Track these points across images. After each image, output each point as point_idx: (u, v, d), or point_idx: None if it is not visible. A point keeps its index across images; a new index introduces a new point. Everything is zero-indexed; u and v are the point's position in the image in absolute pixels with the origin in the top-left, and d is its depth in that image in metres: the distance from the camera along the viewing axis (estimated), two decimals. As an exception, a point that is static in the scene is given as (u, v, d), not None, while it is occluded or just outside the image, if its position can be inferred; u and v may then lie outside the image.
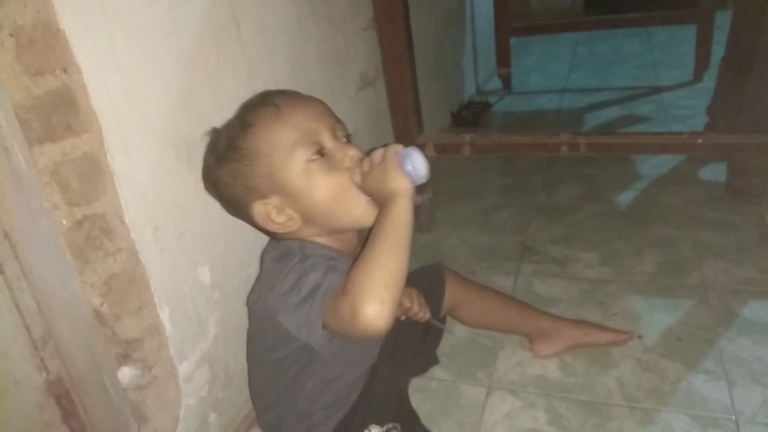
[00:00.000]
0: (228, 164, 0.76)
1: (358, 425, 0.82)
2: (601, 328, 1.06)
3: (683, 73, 2.42)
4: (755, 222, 1.32)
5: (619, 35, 3.17)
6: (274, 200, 0.75)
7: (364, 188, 0.74)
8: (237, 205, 0.79)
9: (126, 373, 0.80)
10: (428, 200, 1.50)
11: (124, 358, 0.80)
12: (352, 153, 0.76)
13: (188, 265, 0.87)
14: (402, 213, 0.68)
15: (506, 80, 2.61)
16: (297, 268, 0.72)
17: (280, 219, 0.76)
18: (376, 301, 0.62)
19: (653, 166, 1.71)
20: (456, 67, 2.34)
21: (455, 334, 1.13)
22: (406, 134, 1.40)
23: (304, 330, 0.71)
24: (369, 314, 0.62)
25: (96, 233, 0.73)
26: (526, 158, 1.89)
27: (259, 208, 0.76)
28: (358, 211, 0.75)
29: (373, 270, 0.64)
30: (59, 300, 0.72)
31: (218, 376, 0.94)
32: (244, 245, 0.97)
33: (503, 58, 2.56)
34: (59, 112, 0.69)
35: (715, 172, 1.60)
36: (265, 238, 0.88)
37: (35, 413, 0.69)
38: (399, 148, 0.73)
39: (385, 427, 0.82)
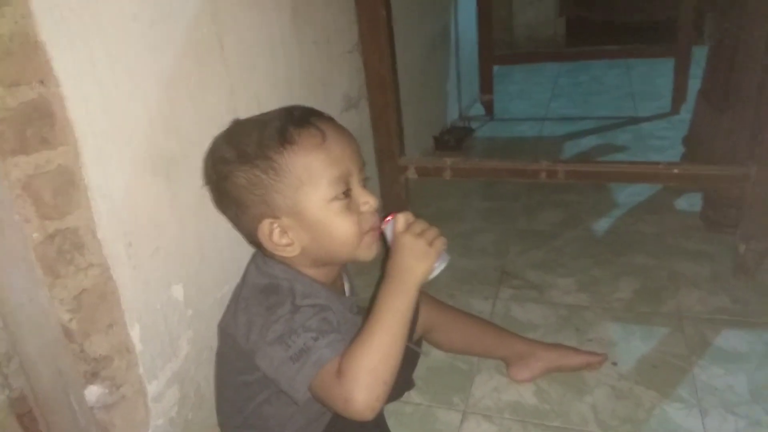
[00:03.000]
0: (251, 169, 0.72)
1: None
2: (576, 350, 1.07)
3: (661, 105, 2.47)
4: (729, 252, 1.34)
5: (600, 66, 3.22)
6: (285, 222, 0.74)
7: (393, 243, 0.73)
8: (240, 210, 0.76)
9: (93, 392, 0.78)
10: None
11: (92, 376, 0.78)
12: (372, 202, 0.76)
13: (161, 283, 0.86)
14: (409, 303, 0.69)
15: (489, 106, 2.64)
16: (286, 319, 0.71)
17: (282, 241, 0.75)
18: (371, 396, 0.63)
19: (631, 194, 1.73)
20: (440, 92, 2.37)
21: (431, 357, 1.12)
22: (388, 156, 1.41)
23: (285, 386, 0.70)
24: (361, 408, 0.63)
25: (67, 248, 0.72)
26: (506, 184, 1.90)
27: (265, 226, 0.74)
28: (360, 252, 0.76)
29: (374, 361, 0.65)
30: (26, 315, 0.71)
31: (188, 397, 0.92)
32: (219, 264, 0.96)
33: (486, 84, 2.60)
34: (34, 124, 0.68)
35: (690, 202, 1.63)
36: (242, 257, 0.87)
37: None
38: (445, 244, 0.74)
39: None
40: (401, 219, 0.74)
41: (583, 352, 1.06)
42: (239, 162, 0.74)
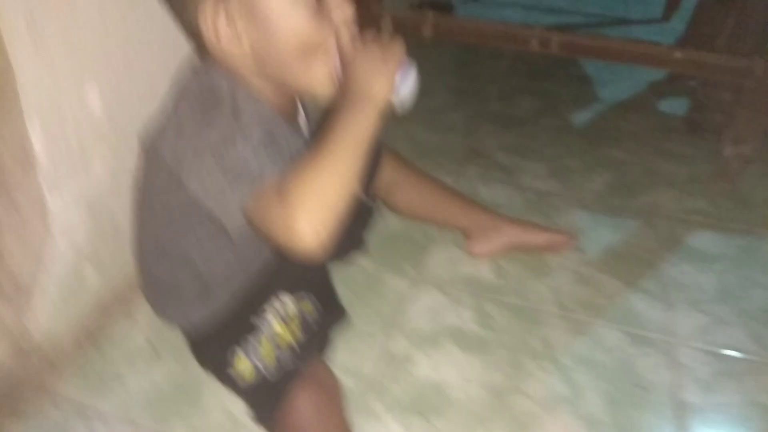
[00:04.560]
0: None
1: (265, 291, 0.69)
2: (541, 228, 0.98)
3: (653, 10, 2.32)
4: (710, 157, 1.26)
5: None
6: (234, 5, 0.56)
7: (342, 58, 0.59)
8: None
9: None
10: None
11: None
12: (348, 11, 0.60)
13: (73, 82, 0.70)
14: (367, 124, 0.56)
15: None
16: (222, 125, 0.56)
17: (227, 32, 0.57)
18: (318, 223, 0.51)
19: (614, 91, 1.63)
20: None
21: (386, 224, 1.01)
22: (364, 4, 1.22)
23: (214, 207, 0.57)
24: (305, 237, 0.51)
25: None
26: (483, 63, 1.77)
27: (209, 6, 0.56)
28: (322, 78, 0.60)
29: (324, 184, 0.52)
30: None
31: (101, 225, 0.79)
32: (147, 76, 0.80)
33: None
34: None
35: (674, 106, 1.53)
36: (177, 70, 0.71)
37: None
38: (403, 52, 0.60)
39: (296, 298, 0.70)
40: (343, 30, 0.59)
41: (549, 230, 0.98)
42: None
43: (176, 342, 0.75)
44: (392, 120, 1.33)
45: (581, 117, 1.49)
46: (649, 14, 2.32)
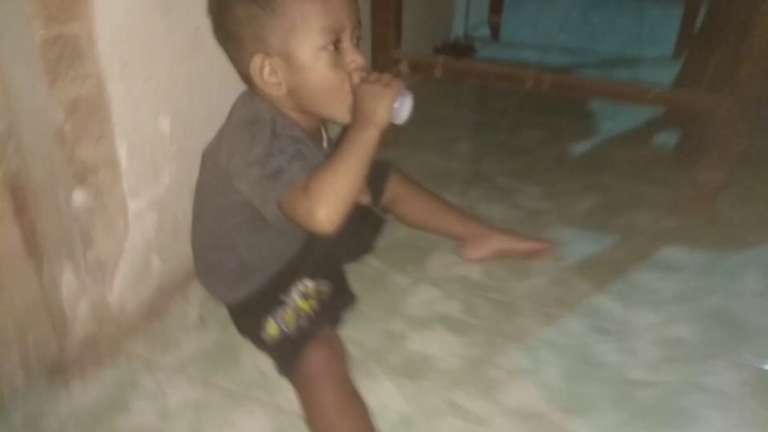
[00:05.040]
0: (251, 4, 0.77)
1: (292, 276, 0.89)
2: (526, 237, 1.16)
3: (665, 49, 2.48)
4: (693, 183, 1.42)
5: (613, 7, 3.21)
6: (276, 61, 0.79)
7: (354, 92, 0.79)
8: (235, 44, 0.81)
9: (79, 195, 0.85)
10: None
11: (80, 180, 0.85)
12: (359, 60, 0.81)
13: (150, 111, 0.92)
14: (369, 140, 0.76)
15: (495, 29, 2.64)
16: (266, 144, 0.78)
17: (272, 79, 0.80)
18: (332, 210, 0.72)
19: (615, 124, 1.80)
20: (446, 4, 2.36)
21: (395, 233, 1.20)
22: (383, 47, 1.44)
23: (258, 203, 0.78)
24: (323, 220, 0.72)
25: (68, 53, 0.77)
26: (496, 99, 1.96)
27: (257, 61, 0.79)
28: (341, 110, 0.82)
29: (337, 182, 0.73)
30: (28, 104, 0.77)
31: (166, 224, 1.00)
32: (208, 106, 1.02)
33: (495, 5, 2.59)
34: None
35: (667, 139, 1.69)
36: (231, 105, 0.92)
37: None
38: (399, 84, 0.79)
39: (316, 282, 0.90)
40: (355, 74, 0.80)
41: (533, 239, 1.16)
42: None
43: (220, 316, 0.96)
44: (409, 148, 1.55)
45: (580, 147, 1.67)
46: (661, 53, 2.48)
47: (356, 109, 0.79)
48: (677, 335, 0.99)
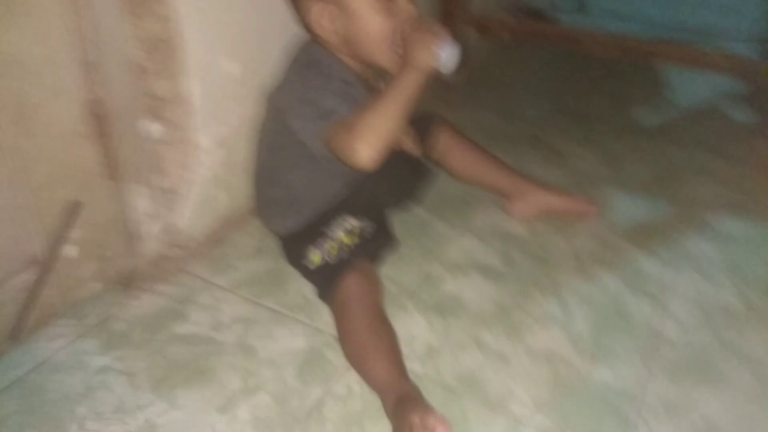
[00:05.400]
0: None
1: (338, 212, 0.96)
2: (575, 196, 1.17)
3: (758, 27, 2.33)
4: (765, 157, 1.37)
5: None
6: (332, 9, 0.86)
7: (401, 38, 0.85)
8: None
9: (155, 127, 0.96)
10: (459, 81, 1.58)
11: (155, 114, 0.95)
12: (410, 10, 0.86)
13: (223, 55, 1.00)
14: (412, 84, 0.81)
15: (581, -1, 2.57)
16: (318, 86, 0.85)
17: (329, 26, 0.87)
18: (370, 147, 0.78)
19: (689, 97, 1.74)
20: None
21: (446, 187, 1.24)
22: (451, 8, 1.47)
23: (307, 140, 0.86)
24: (361, 155, 0.78)
25: (148, -4, 0.87)
26: (567, 66, 1.93)
27: (318, 8, 0.86)
28: (387, 57, 0.87)
29: (375, 122, 0.79)
30: (112, 39, 0.87)
31: (234, 162, 1.09)
32: (276, 53, 1.08)
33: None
34: None
35: (747, 115, 1.62)
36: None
37: (72, 123, 0.85)
38: (445, 33, 0.84)
39: (360, 221, 0.96)
40: (406, 24, 0.84)
41: (582, 198, 1.17)
42: None
43: (275, 249, 1.04)
44: (469, 109, 1.57)
45: (650, 117, 1.63)
46: (762, 30, 2.33)
47: (403, 56, 0.83)
48: (720, 302, 0.98)
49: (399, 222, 1.10)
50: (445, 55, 0.83)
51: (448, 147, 1.14)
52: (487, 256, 1.08)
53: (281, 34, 1.08)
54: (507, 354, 0.87)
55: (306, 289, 0.96)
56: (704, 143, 1.49)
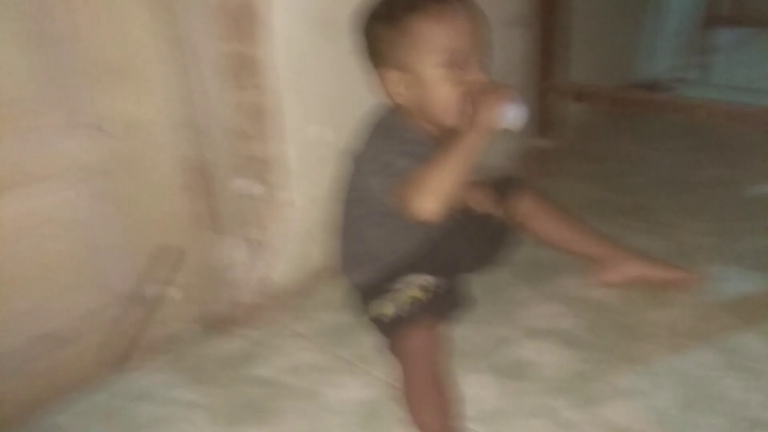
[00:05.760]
0: (385, 26, 0.91)
1: (413, 269, 0.98)
2: (669, 265, 1.10)
3: None
4: None
5: None
6: (404, 76, 0.92)
7: (465, 96, 0.89)
8: (373, 58, 0.96)
9: (253, 186, 1.06)
10: (554, 147, 1.58)
11: (254, 174, 1.05)
12: (480, 77, 0.90)
13: (316, 122, 1.10)
14: (474, 142, 0.85)
15: (703, 69, 2.48)
16: (391, 146, 0.92)
17: (400, 91, 0.94)
18: (428, 200, 0.83)
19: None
20: (631, 45, 2.29)
21: (532, 251, 1.22)
22: (548, 76, 1.49)
23: (382, 195, 0.92)
24: (420, 207, 0.84)
25: (248, 66, 0.98)
26: (676, 138, 1.86)
27: (392, 75, 0.93)
28: (455, 121, 0.91)
29: (434, 177, 0.84)
30: (216, 106, 0.99)
31: (324, 221, 1.17)
32: (356, 115, 1.14)
33: (703, 45, 2.44)
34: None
35: None
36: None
37: (177, 179, 0.97)
38: (513, 93, 0.87)
39: (436, 279, 0.97)
40: (475, 86, 0.88)
41: (676, 268, 1.09)
42: (382, 19, 0.93)
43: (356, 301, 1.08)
44: (569, 179, 1.56)
45: (766, 188, 1.51)
46: None
47: (471, 115, 0.87)
48: (840, 388, 0.86)
49: (480, 283, 1.10)
50: (511, 114, 0.85)
51: (531, 210, 1.13)
52: (571, 322, 1.04)
53: (366, 100, 1.16)
54: (580, 424, 0.83)
55: (379, 342, 0.98)
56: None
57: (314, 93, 1.08)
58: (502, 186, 1.12)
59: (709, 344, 0.96)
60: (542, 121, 1.55)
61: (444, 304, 0.96)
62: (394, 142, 0.92)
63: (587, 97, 1.45)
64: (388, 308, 0.94)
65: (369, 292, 1.00)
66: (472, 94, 0.89)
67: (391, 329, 0.92)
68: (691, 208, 1.42)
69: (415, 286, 0.96)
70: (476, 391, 0.89)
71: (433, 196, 0.82)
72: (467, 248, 1.07)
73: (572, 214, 1.16)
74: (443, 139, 1.01)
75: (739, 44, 2.95)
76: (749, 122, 1.26)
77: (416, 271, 0.98)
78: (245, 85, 0.99)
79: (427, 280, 0.97)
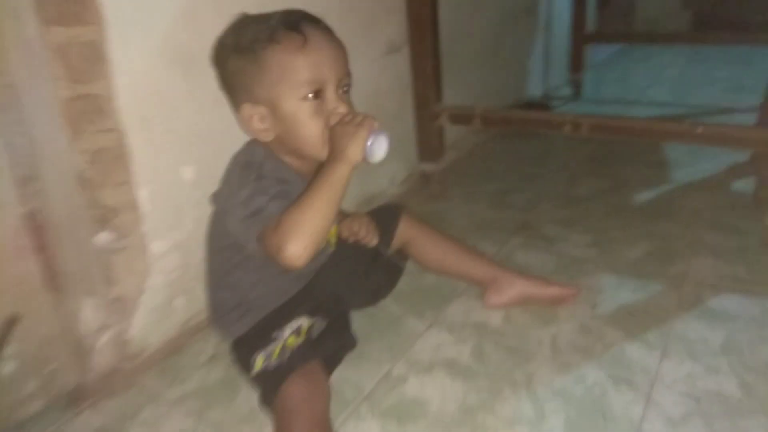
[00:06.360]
0: (241, 58, 0.84)
1: (289, 314, 0.91)
2: (550, 281, 1.09)
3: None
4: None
5: (715, 60, 3.04)
6: (262, 110, 0.85)
7: (330, 133, 0.83)
8: (231, 93, 0.89)
9: (101, 237, 0.95)
10: (439, 171, 1.56)
11: (101, 223, 0.94)
12: (341, 109, 0.85)
13: (173, 161, 1.01)
14: (340, 176, 0.79)
15: (577, 86, 2.60)
16: (252, 186, 0.83)
17: (260, 126, 0.86)
18: (299, 246, 0.74)
19: (690, 172, 1.67)
20: (517, 64, 2.37)
21: (421, 279, 1.19)
22: (424, 101, 1.48)
23: (242, 240, 0.83)
24: (290, 255, 0.74)
25: (90, 110, 0.89)
26: (558, 154, 1.91)
27: (247, 109, 0.85)
28: (324, 154, 0.84)
29: (302, 219, 0.75)
30: (50, 153, 0.88)
31: (190, 267, 1.07)
32: (226, 152, 1.08)
33: (576, 63, 2.56)
34: (70, 3, 0.85)
35: (747, 185, 1.53)
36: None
37: (9, 235, 0.85)
38: (375, 123, 0.82)
39: (312, 320, 0.91)
40: (332, 116, 0.83)
41: (559, 284, 1.09)
42: (234, 51, 0.85)
43: (227, 353, 0.99)
44: (457, 201, 1.55)
45: (645, 196, 1.56)
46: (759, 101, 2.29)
47: (330, 149, 0.82)
48: (715, 389, 0.87)
49: (364, 317, 1.04)
50: (373, 145, 0.80)
51: (409, 236, 1.09)
52: (457, 350, 1.00)
53: (231, 138, 1.08)
54: (467, 462, 0.78)
55: (255, 398, 0.89)
56: (701, 217, 1.41)
57: (171, 132, 1.00)
58: (378, 214, 1.08)
59: (591, 359, 0.95)
60: (424, 145, 1.53)
61: (319, 348, 0.89)
62: (254, 181, 0.84)
63: (462, 118, 1.45)
64: (259, 359, 0.86)
65: (242, 344, 0.91)
66: (332, 126, 0.83)
67: (264, 384, 0.84)
68: (571, 221, 1.44)
69: (288, 331, 0.89)
70: (358, 440, 0.82)
71: (300, 240, 0.74)
72: (346, 283, 1.02)
73: (452, 236, 1.13)
74: (310, 175, 0.95)
75: (608, 60, 3.14)
76: (614, 133, 1.30)
77: (294, 316, 0.91)
78: (92, 129, 0.88)
79: (301, 323, 0.91)
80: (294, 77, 0.82)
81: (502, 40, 2.17)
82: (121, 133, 0.93)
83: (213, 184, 1.04)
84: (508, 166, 1.85)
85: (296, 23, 0.84)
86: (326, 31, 0.87)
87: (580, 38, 2.52)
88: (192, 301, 1.09)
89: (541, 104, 2.39)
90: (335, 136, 0.81)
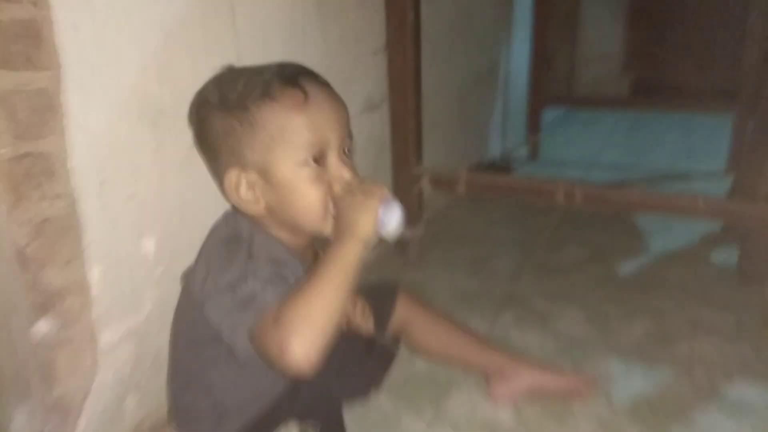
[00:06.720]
0: (228, 117, 0.70)
1: (275, 420, 0.75)
2: (563, 372, 0.98)
3: (717, 163, 2.34)
4: (760, 305, 1.23)
5: (659, 124, 3.16)
6: (251, 176, 0.71)
7: (335, 204, 0.71)
8: (212, 156, 0.74)
9: (40, 327, 0.77)
10: (417, 236, 1.46)
11: (42, 310, 0.76)
12: (346, 175, 0.72)
13: (132, 232, 0.85)
14: (352, 257, 0.66)
15: (534, 148, 2.59)
16: (239, 268, 0.68)
17: (247, 195, 0.72)
18: (307, 345, 0.59)
19: (667, 241, 1.64)
20: (479, 126, 2.34)
21: (412, 364, 1.06)
22: (404, 163, 1.38)
23: (228, 337, 0.68)
24: (296, 358, 0.59)
25: (36, 172, 0.73)
26: (534, 216, 1.84)
27: (232, 176, 0.71)
28: (326, 227, 0.72)
29: (311, 310, 0.61)
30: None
31: (145, 359, 0.90)
32: (201, 226, 0.93)
33: (533, 125, 2.56)
34: (21, 43, 0.69)
35: (726, 256, 1.51)
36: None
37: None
38: (386, 193, 0.70)
39: (303, 426, 0.76)
40: (336, 185, 0.71)
41: (570, 374, 0.98)
42: (219, 107, 0.71)
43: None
44: (436, 268, 1.44)
45: (627, 266, 1.51)
46: (713, 167, 2.34)
47: (337, 223, 0.69)
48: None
49: (358, 418, 0.89)
50: (385, 218, 0.68)
51: (407, 319, 0.96)
52: (468, 457, 0.86)
53: (210, 204, 0.94)
54: None
55: None
56: (690, 292, 1.35)
57: (132, 198, 0.84)
58: (372, 294, 0.94)
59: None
60: (407, 213, 1.42)
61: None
62: (241, 261, 0.69)
63: (445, 182, 1.35)
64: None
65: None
66: (334, 196, 0.71)
67: None
68: (559, 294, 1.36)
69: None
70: None
71: (308, 337, 0.59)
72: (337, 376, 0.86)
73: (449, 316, 1.01)
74: (313, 251, 0.82)
75: (555, 123, 3.18)
76: (610, 205, 1.24)
77: (280, 421, 0.76)
78: (37, 195, 0.72)
79: (290, 430, 0.75)
80: (292, 139, 0.69)
81: (466, 100, 2.13)
82: (72, 200, 0.77)
83: (176, 259, 0.90)
84: (482, 229, 1.76)
85: (294, 77, 0.71)
86: (326, 86, 0.75)
87: (538, 100, 2.53)
88: (145, 399, 0.91)
89: (503, 166, 2.35)
90: (342, 209, 0.69)
